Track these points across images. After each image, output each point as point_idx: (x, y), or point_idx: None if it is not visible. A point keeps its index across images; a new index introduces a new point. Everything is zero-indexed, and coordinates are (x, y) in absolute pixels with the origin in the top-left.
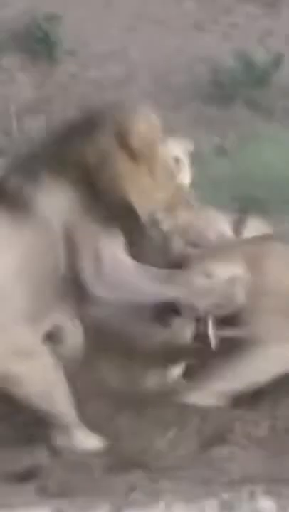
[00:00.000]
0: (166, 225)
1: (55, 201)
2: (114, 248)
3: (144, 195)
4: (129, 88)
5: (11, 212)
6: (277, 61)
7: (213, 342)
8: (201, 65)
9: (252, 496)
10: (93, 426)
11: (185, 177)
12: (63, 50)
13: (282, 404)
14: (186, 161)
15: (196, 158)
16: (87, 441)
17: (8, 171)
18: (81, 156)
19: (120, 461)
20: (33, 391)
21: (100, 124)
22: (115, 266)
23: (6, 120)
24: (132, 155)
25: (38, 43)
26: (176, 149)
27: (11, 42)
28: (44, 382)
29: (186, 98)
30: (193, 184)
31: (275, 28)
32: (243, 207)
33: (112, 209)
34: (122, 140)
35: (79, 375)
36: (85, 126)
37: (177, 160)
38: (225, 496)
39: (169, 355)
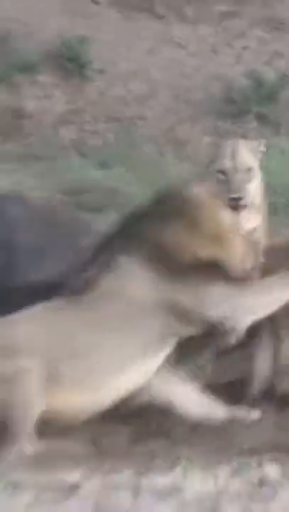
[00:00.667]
0: None
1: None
2: None
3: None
4: (150, 103)
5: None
6: (283, 80)
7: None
8: (216, 84)
9: (259, 463)
10: None
11: (257, 185)
12: (93, 69)
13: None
14: (257, 169)
15: None
16: None
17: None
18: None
19: (144, 431)
20: None
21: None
22: None
23: (42, 130)
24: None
25: (70, 63)
26: (249, 159)
27: (47, 62)
28: None
29: (203, 113)
30: None
31: (282, 51)
32: None
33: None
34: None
35: None
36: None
37: (249, 169)
38: (235, 463)
39: None
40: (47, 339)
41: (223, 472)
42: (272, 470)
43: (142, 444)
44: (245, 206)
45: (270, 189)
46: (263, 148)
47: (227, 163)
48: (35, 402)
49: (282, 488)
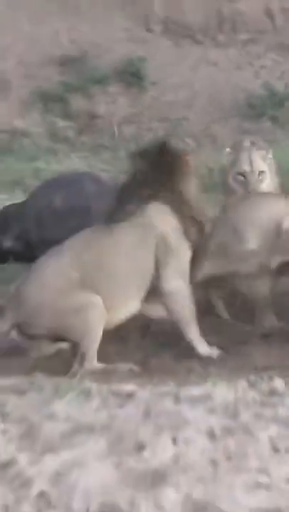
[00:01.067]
0: None
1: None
2: None
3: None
4: (192, 108)
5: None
6: None
7: None
8: (240, 93)
9: (270, 378)
10: None
11: (268, 184)
12: (148, 82)
13: None
14: (268, 171)
15: None
16: None
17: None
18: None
19: (182, 354)
20: None
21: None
22: None
23: (110, 128)
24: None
25: (132, 77)
26: (261, 164)
27: (114, 76)
28: None
29: (230, 115)
30: None
31: None
32: None
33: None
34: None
35: None
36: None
37: (261, 172)
38: (251, 377)
39: None
40: (88, 260)
41: (242, 385)
42: (279, 383)
43: (182, 364)
44: None
45: (281, 173)
46: (270, 156)
47: (246, 167)
48: (100, 327)
49: (287, 397)
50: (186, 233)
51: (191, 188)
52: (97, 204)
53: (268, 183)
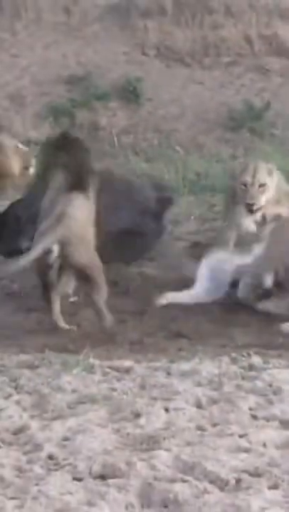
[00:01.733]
0: None
1: None
2: None
3: None
4: (182, 121)
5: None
6: (267, 106)
7: None
8: (223, 108)
9: (248, 355)
10: None
11: (269, 197)
12: (144, 98)
13: None
14: (270, 184)
15: (219, 161)
16: None
17: None
18: None
19: (174, 333)
20: None
21: None
22: None
23: (110, 138)
24: None
25: (130, 94)
26: (264, 177)
27: (115, 93)
28: None
29: (214, 127)
30: (219, 176)
31: (266, 88)
32: None
33: None
34: None
35: None
36: None
37: (263, 185)
38: (233, 354)
39: None
40: None
41: (225, 361)
42: (256, 359)
43: (173, 342)
44: (257, 210)
45: None
46: (276, 170)
47: (248, 178)
48: None
49: (264, 372)
50: None
51: None
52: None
53: (269, 195)
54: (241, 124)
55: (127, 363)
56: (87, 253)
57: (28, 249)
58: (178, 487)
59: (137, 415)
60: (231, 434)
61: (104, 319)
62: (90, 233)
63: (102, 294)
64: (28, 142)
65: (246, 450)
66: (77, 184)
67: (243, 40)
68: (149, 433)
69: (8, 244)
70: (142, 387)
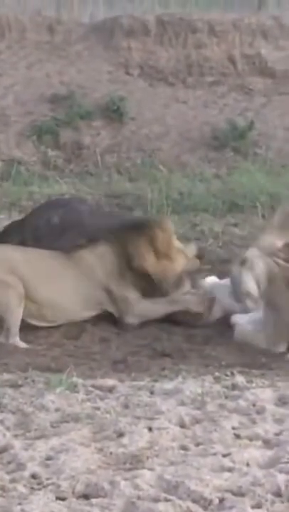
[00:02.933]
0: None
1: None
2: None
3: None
4: (165, 140)
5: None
6: (250, 126)
7: None
8: (206, 127)
9: (232, 374)
10: None
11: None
12: (128, 117)
13: None
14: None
15: (203, 181)
16: None
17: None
18: (127, 244)
19: (157, 352)
20: None
21: (141, 229)
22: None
23: (94, 157)
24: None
25: (113, 113)
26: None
27: (98, 112)
28: None
29: (198, 146)
30: (203, 195)
31: (249, 107)
32: (229, 209)
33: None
34: (151, 243)
35: None
36: (134, 227)
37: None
38: (216, 374)
39: None
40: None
41: (208, 380)
42: (240, 379)
43: (156, 361)
44: None
45: (240, 195)
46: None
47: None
48: (20, 308)
49: (247, 391)
50: None
51: None
52: (88, 220)
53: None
54: (225, 143)
55: (110, 382)
56: None
57: None
58: (161, 506)
59: (121, 434)
60: (214, 454)
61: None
62: None
63: None
64: (11, 161)
65: (229, 469)
66: None
67: (227, 60)
68: (133, 452)
69: None
70: (125, 406)
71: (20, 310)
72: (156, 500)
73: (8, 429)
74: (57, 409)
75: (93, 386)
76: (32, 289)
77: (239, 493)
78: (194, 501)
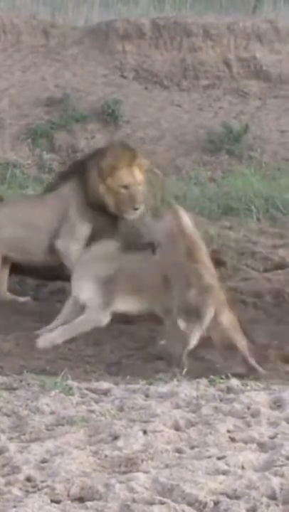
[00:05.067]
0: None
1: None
2: None
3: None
4: (160, 143)
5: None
6: (245, 129)
7: None
8: (201, 131)
9: (226, 377)
10: None
11: None
12: (122, 121)
13: None
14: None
15: (198, 184)
16: None
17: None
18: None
19: (151, 354)
20: None
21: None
22: None
23: None
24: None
25: (108, 116)
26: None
27: (93, 115)
28: None
29: (193, 149)
30: (198, 199)
31: (244, 111)
32: (224, 212)
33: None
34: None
35: None
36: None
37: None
38: (211, 377)
39: None
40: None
41: (203, 383)
42: (234, 382)
43: (151, 365)
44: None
45: (235, 198)
46: None
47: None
48: None
49: (242, 394)
50: None
51: None
52: None
53: None
54: (220, 146)
55: (105, 385)
56: None
57: None
58: (156, 509)
59: (115, 437)
60: (209, 457)
61: None
62: None
63: None
64: (6, 164)
65: (224, 472)
66: None
67: (222, 63)
68: (128, 455)
69: None
70: (120, 409)
71: None
72: (151, 503)
73: (3, 432)
74: (52, 412)
75: (88, 389)
76: None
77: (234, 496)
78: (189, 504)
